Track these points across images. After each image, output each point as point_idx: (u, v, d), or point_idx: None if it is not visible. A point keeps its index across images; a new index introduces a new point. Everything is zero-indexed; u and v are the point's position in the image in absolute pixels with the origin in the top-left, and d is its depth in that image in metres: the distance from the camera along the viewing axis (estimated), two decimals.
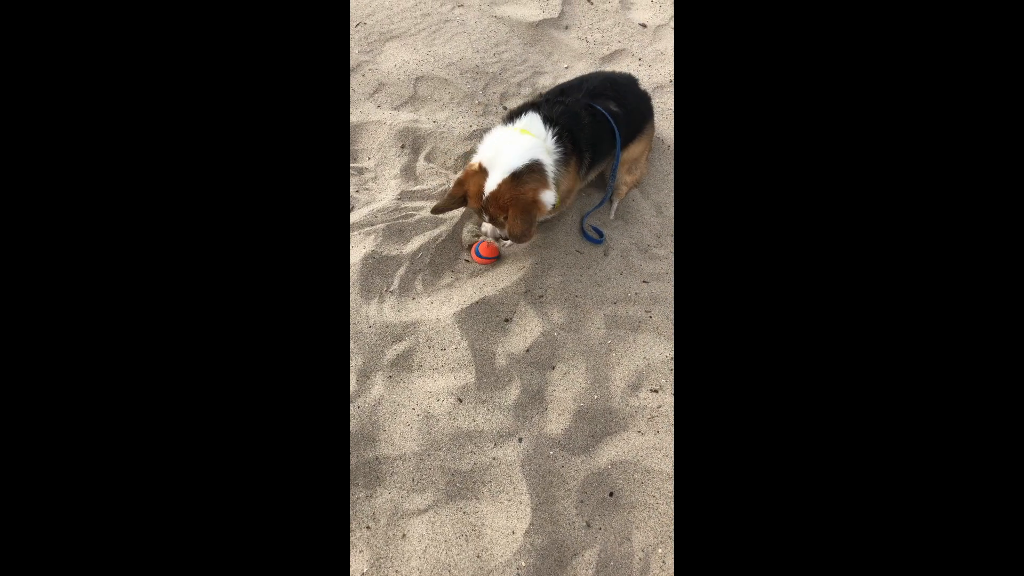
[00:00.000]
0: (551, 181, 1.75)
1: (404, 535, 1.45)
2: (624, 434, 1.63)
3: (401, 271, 1.90)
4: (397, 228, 1.99)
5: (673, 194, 2.22)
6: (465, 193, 1.75)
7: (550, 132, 1.79)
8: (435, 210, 1.76)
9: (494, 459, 1.55)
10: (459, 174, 1.83)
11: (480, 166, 1.75)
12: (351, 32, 2.76)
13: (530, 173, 1.72)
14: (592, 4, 3.08)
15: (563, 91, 2.01)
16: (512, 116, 1.88)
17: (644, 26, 2.94)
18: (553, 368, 1.74)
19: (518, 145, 1.74)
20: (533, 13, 2.96)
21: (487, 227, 1.83)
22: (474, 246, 1.92)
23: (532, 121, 1.82)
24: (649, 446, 1.60)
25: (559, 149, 1.79)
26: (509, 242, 1.91)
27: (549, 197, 1.72)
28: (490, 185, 1.71)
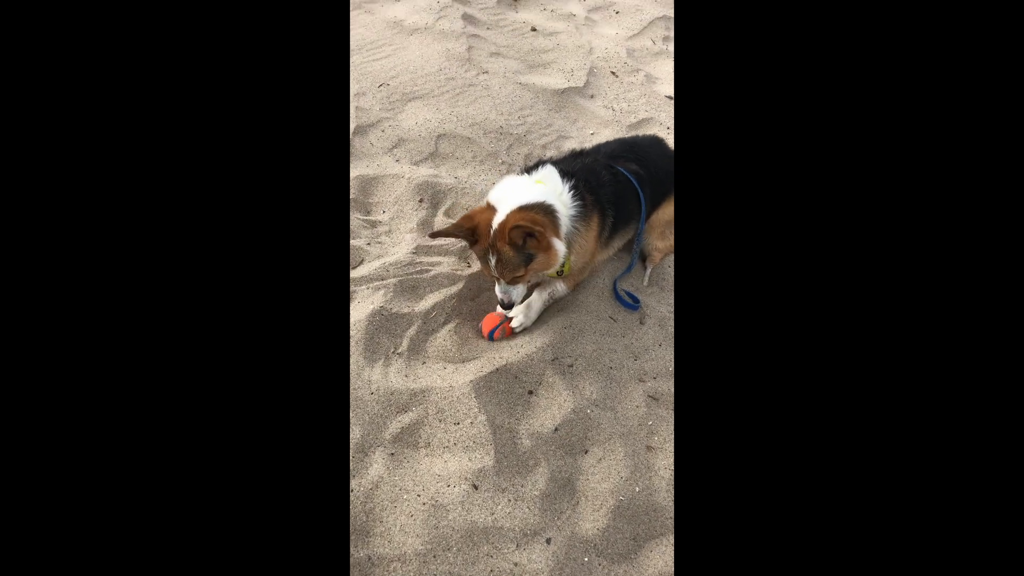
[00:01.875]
0: (563, 231, 1.60)
1: None
2: (673, 537, 1.33)
3: (411, 331, 1.67)
4: (410, 284, 1.78)
5: None
6: (474, 227, 1.59)
7: (567, 186, 1.67)
8: (433, 234, 1.62)
9: (516, 564, 1.25)
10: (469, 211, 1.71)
11: (488, 204, 1.64)
12: (374, 92, 2.70)
13: (540, 211, 1.57)
14: (617, 77, 3.06)
15: (581, 153, 1.91)
16: (528, 170, 1.77)
17: (671, 98, 2.89)
18: (586, 452, 1.46)
19: (530, 191, 1.62)
20: (558, 82, 2.93)
21: (499, 294, 1.64)
22: (489, 329, 1.70)
23: (549, 174, 1.69)
24: None
25: (576, 203, 1.65)
26: (511, 311, 1.71)
27: (560, 247, 1.57)
28: (497, 218, 1.57)
